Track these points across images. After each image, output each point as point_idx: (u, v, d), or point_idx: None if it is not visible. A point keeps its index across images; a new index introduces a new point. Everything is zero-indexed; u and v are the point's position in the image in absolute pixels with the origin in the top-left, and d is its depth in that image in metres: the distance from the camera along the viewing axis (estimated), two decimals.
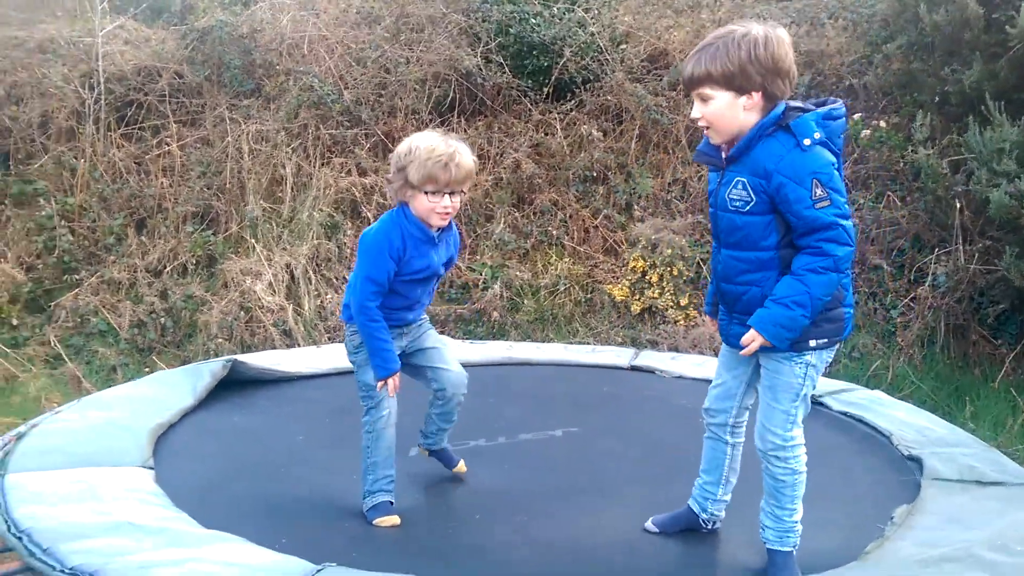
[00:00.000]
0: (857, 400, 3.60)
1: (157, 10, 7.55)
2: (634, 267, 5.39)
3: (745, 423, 2.43)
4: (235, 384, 3.48)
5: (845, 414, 3.48)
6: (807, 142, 1.98)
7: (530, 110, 6.18)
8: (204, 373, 3.37)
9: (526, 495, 2.74)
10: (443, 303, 5.45)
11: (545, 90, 6.19)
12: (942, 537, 2.33)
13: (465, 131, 6.11)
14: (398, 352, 2.57)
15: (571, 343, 4.93)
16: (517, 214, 5.87)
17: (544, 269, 5.64)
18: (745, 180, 2.07)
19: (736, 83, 2.01)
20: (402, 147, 2.51)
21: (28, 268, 5.57)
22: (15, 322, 5.28)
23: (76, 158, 5.98)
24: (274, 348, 4.94)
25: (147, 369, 4.99)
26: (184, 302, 5.35)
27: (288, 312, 5.26)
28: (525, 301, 5.47)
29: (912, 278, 5.17)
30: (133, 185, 5.95)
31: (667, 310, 5.24)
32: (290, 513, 2.53)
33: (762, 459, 2.24)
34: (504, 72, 6.16)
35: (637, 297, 5.32)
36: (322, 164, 6.02)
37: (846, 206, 2.03)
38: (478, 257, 5.70)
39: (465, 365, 3.35)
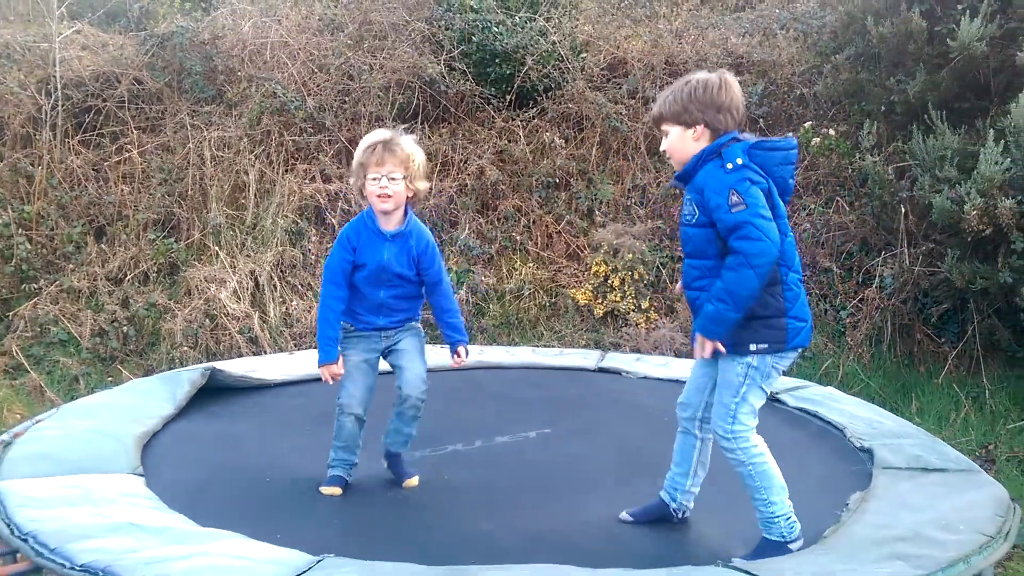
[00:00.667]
0: (811, 396, 3.79)
1: (112, 15, 7.47)
2: (596, 272, 5.52)
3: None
4: (213, 392, 3.52)
5: (800, 409, 3.66)
6: (730, 166, 2.32)
7: (493, 117, 6.28)
8: (183, 381, 3.41)
9: (507, 492, 2.87)
10: None
11: (508, 98, 6.29)
12: (893, 520, 2.51)
13: (429, 138, 6.18)
14: (376, 353, 2.84)
15: (538, 346, 5.03)
16: (481, 220, 5.96)
17: (509, 274, 5.74)
18: (691, 197, 2.41)
19: (682, 119, 2.41)
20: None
21: None
22: None
23: (33, 165, 5.89)
24: (240, 356, 4.95)
25: (110, 379, 4.95)
26: (147, 310, 5.31)
27: (254, 319, 5.27)
28: (491, 306, 5.56)
29: (860, 280, 5.39)
30: (92, 192, 5.88)
31: (629, 313, 5.38)
32: (280, 511, 2.63)
33: (724, 452, 2.46)
34: (467, 80, 6.24)
35: (600, 301, 5.45)
36: (286, 171, 6.03)
37: (764, 212, 2.28)
38: (444, 262, 5.76)
39: (438, 370, 3.48)
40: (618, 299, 5.41)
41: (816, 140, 5.64)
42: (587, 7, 7.07)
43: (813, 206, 5.71)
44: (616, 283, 5.45)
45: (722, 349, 2.33)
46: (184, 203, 5.87)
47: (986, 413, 4.41)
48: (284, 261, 5.67)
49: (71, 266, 5.56)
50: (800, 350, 2.46)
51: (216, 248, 5.66)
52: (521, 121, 6.27)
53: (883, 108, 5.34)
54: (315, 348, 3.42)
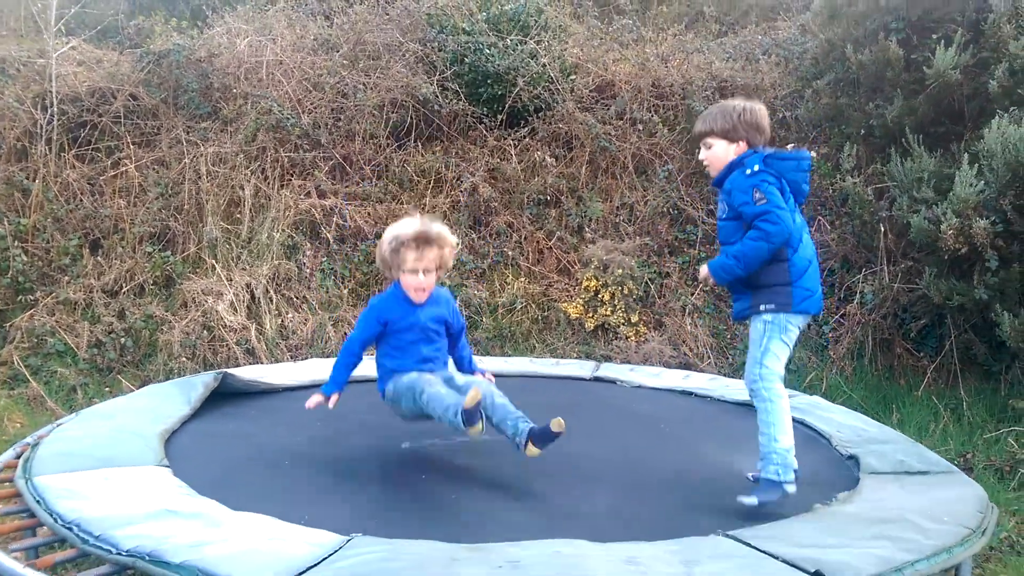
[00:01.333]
0: (798, 404, 3.94)
1: (105, 32, 7.55)
2: (587, 286, 5.66)
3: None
4: (224, 396, 3.62)
5: None
6: (748, 172, 2.88)
7: (485, 136, 6.42)
8: (197, 385, 3.52)
9: (516, 480, 3.02)
10: None
11: (499, 117, 6.44)
12: (881, 505, 2.67)
13: (423, 155, 6.31)
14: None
15: (534, 358, 5.15)
16: (474, 235, 6.09)
17: (501, 288, 5.86)
18: (723, 198, 2.96)
19: (729, 135, 2.94)
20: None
21: None
22: None
23: (29, 178, 5.94)
24: (238, 366, 5.01)
25: (108, 389, 4.99)
26: (144, 322, 5.36)
27: (251, 331, 5.33)
28: (484, 319, 5.67)
29: (842, 296, 5.56)
30: (88, 206, 5.93)
31: (619, 327, 5.52)
32: (303, 498, 2.74)
33: (751, 393, 2.97)
34: (460, 100, 6.39)
35: (591, 315, 5.58)
36: (281, 186, 6.12)
37: (781, 204, 2.82)
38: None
39: None
40: (608, 313, 5.55)
41: None
42: (576, 31, 7.26)
43: None
44: (606, 297, 5.59)
45: (711, 283, 3.08)
46: (180, 217, 5.94)
47: (964, 424, 4.57)
48: (280, 274, 5.74)
49: (67, 278, 5.60)
50: (811, 314, 2.96)
51: (212, 261, 5.73)
52: (513, 140, 6.42)
53: (863, 131, 5.54)
54: (315, 357, 3.61)
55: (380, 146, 6.35)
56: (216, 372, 3.70)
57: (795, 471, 2.84)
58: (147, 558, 2.08)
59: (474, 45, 6.51)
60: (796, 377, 5.18)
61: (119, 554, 2.11)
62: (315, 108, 6.34)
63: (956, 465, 4.00)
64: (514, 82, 6.39)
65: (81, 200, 5.96)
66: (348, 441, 3.34)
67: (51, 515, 2.35)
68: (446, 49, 6.53)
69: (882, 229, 5.26)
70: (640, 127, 6.43)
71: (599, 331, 5.58)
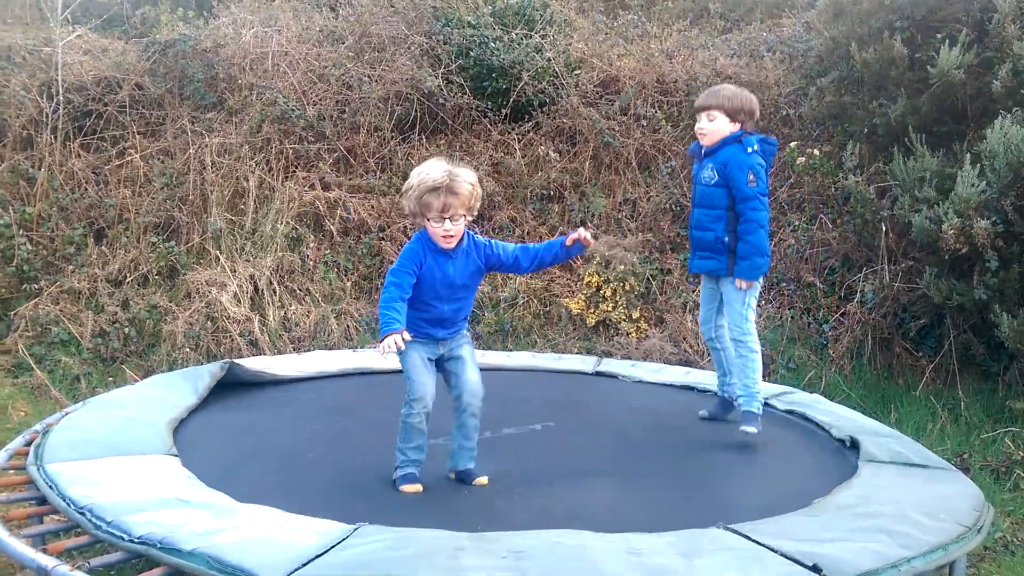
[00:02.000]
0: (799, 400, 3.99)
1: (111, 21, 7.55)
2: (589, 282, 5.68)
3: (724, 335, 3.72)
4: (230, 386, 3.66)
5: (790, 412, 3.85)
6: (749, 150, 3.43)
7: (489, 130, 6.44)
8: (203, 374, 3.57)
9: (518, 474, 3.06)
10: None
11: (504, 111, 6.46)
12: (879, 496, 2.71)
13: (427, 149, 6.33)
14: (434, 358, 2.90)
15: (536, 352, 5.18)
16: (477, 230, 6.10)
17: (503, 283, 5.88)
18: (713, 166, 3.46)
19: (732, 114, 3.45)
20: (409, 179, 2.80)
21: None
22: None
23: (34, 167, 5.96)
24: (241, 358, 5.04)
25: (111, 379, 5.03)
26: (147, 312, 5.39)
27: (254, 323, 5.36)
28: (485, 313, 5.70)
29: (842, 295, 5.58)
30: (92, 195, 5.96)
31: (620, 323, 5.55)
32: (308, 489, 2.78)
33: (734, 345, 3.58)
34: (464, 93, 6.41)
35: (592, 310, 5.61)
36: (285, 178, 6.15)
37: (764, 190, 3.46)
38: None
39: None
40: (610, 309, 5.58)
41: (801, 159, 5.85)
42: (581, 26, 7.27)
43: (798, 223, 5.92)
44: (608, 293, 5.62)
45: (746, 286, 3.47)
46: (184, 207, 5.96)
47: (961, 424, 4.60)
48: (283, 266, 5.77)
49: (71, 267, 5.63)
50: (765, 274, 3.62)
51: (216, 252, 5.76)
52: (517, 134, 6.44)
53: (866, 130, 5.55)
54: (318, 349, 3.60)
55: (384, 139, 6.36)
56: (223, 362, 3.74)
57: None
58: (159, 545, 2.13)
59: (479, 39, 6.52)
60: (795, 376, 5.21)
61: (131, 541, 2.15)
62: (320, 100, 6.35)
63: (953, 465, 4.05)
64: (519, 76, 6.40)
65: (86, 189, 5.98)
66: (353, 432, 3.38)
67: (64, 500, 2.39)
68: (451, 42, 6.54)
69: (883, 228, 5.28)
70: (644, 123, 6.45)
71: (600, 327, 5.61)
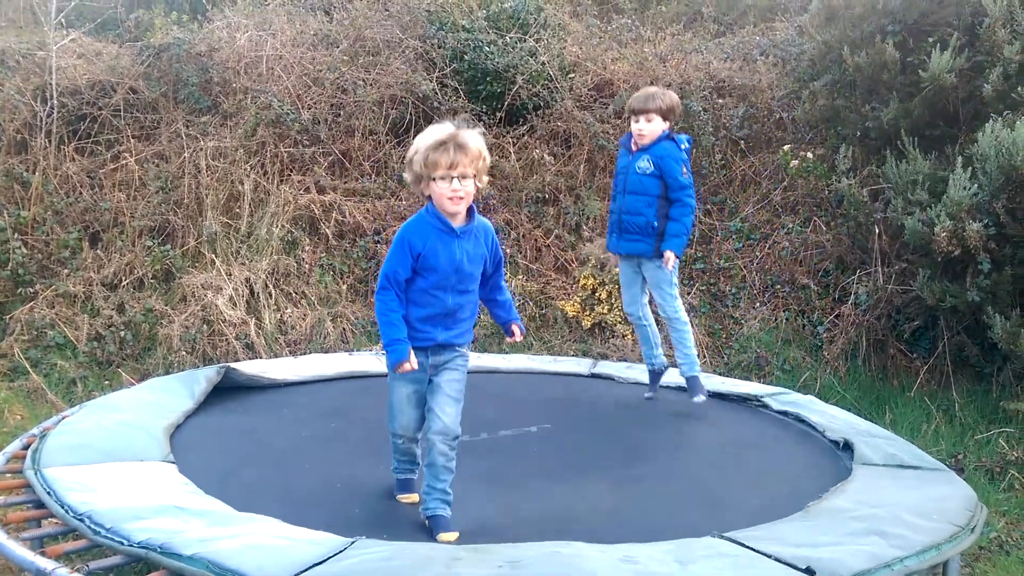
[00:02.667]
0: (793, 401, 4.01)
1: (104, 25, 7.55)
2: (584, 284, 5.70)
3: (647, 312, 4.19)
4: (227, 390, 3.66)
5: (784, 413, 3.87)
6: (683, 147, 3.96)
7: (484, 134, 6.42)
8: (200, 379, 3.56)
9: (515, 478, 3.08)
10: None
11: (498, 115, 6.48)
12: (872, 500, 2.73)
13: None
14: (421, 381, 2.64)
15: (532, 355, 5.20)
16: None
17: None
18: (650, 158, 3.91)
19: (665, 115, 3.91)
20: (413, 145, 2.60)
21: None
22: None
23: (28, 171, 5.95)
24: (237, 361, 5.04)
25: (107, 382, 5.02)
26: (143, 316, 5.39)
27: (250, 326, 5.36)
28: (482, 316, 5.70)
29: (836, 297, 5.62)
30: (87, 199, 5.95)
31: (616, 325, 5.57)
32: (305, 496, 2.78)
33: (668, 323, 4.07)
34: (459, 97, 6.42)
35: (588, 313, 5.63)
36: (280, 181, 6.15)
37: (692, 181, 4.00)
38: None
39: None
40: (605, 311, 5.60)
41: (795, 162, 5.88)
42: (575, 29, 7.30)
43: (792, 225, 5.95)
44: (603, 296, 5.63)
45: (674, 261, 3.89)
46: (179, 211, 5.95)
47: (955, 425, 4.63)
48: (279, 269, 5.77)
49: (66, 271, 5.61)
50: None
51: (212, 256, 5.76)
52: (511, 138, 6.45)
53: (858, 133, 5.59)
54: (314, 352, 3.57)
55: (379, 142, 6.37)
56: (219, 366, 3.74)
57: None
58: (159, 550, 2.13)
59: (474, 42, 6.54)
60: (790, 377, 5.24)
61: (131, 546, 2.15)
62: (315, 104, 6.36)
63: (947, 466, 4.09)
64: (513, 80, 6.42)
65: (81, 193, 5.97)
66: (350, 436, 3.38)
67: (62, 507, 2.39)
68: (446, 46, 6.56)
69: (877, 231, 5.32)
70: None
71: (596, 329, 5.63)
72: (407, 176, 2.63)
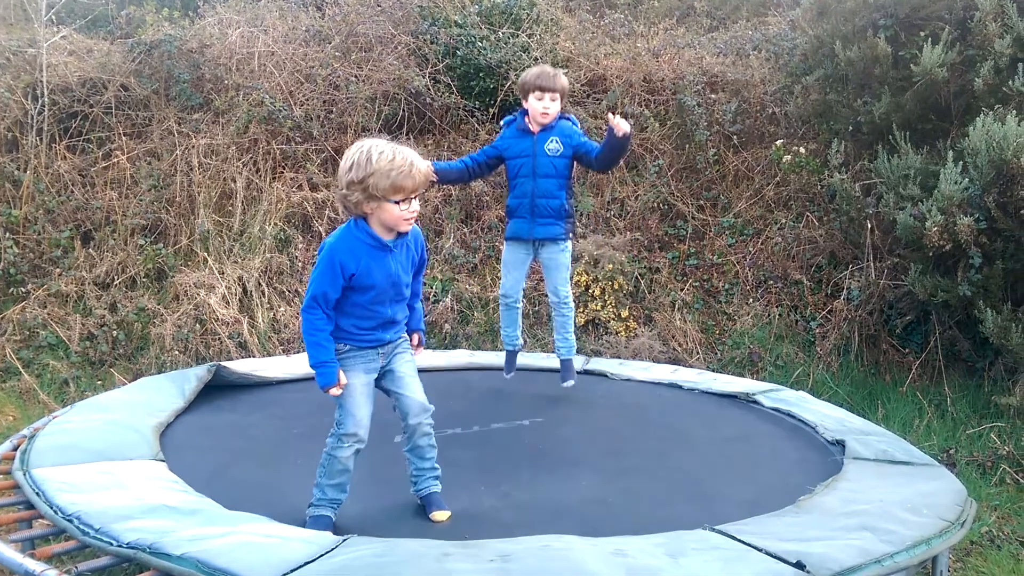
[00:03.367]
0: (785, 398, 4.03)
1: (95, 21, 7.51)
2: (578, 281, 5.69)
3: (521, 295, 4.19)
4: (217, 388, 3.66)
5: (775, 409, 3.88)
6: (577, 125, 4.00)
7: (477, 130, 6.44)
8: (190, 377, 3.56)
9: (505, 471, 3.08)
10: None
11: (491, 111, 6.46)
12: (863, 496, 2.74)
13: (414, 148, 6.29)
14: (375, 374, 2.64)
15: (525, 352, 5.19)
16: (466, 230, 6.12)
17: (493, 283, 5.88)
18: (558, 138, 3.89)
19: (564, 96, 3.94)
20: (354, 159, 2.45)
21: None
22: None
23: (19, 169, 5.93)
24: (230, 360, 5.04)
25: (100, 382, 5.01)
26: (136, 315, 5.38)
27: (243, 325, 5.35)
28: (475, 313, 5.70)
29: (829, 292, 5.63)
30: (79, 197, 5.93)
31: (609, 322, 5.57)
32: (296, 494, 2.75)
33: (557, 306, 4.07)
34: (452, 93, 6.41)
35: (581, 310, 5.62)
36: (273, 179, 6.14)
37: None
38: (429, 271, 5.91)
39: (431, 370, 3.69)
40: (599, 308, 5.60)
41: (787, 157, 5.89)
42: (568, 25, 7.28)
43: (784, 220, 5.96)
44: (597, 293, 5.63)
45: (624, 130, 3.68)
46: (172, 209, 5.94)
47: (947, 419, 4.64)
48: (272, 267, 5.76)
49: (58, 270, 5.60)
50: None
51: (204, 254, 5.75)
52: None
53: (850, 128, 5.59)
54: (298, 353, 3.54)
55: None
56: (209, 364, 3.74)
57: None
58: (148, 550, 2.13)
59: (466, 38, 6.52)
60: (783, 373, 5.25)
61: (120, 546, 2.15)
62: (307, 100, 6.34)
63: (939, 461, 4.10)
64: (506, 75, 6.41)
65: (72, 192, 5.95)
66: None
67: (51, 507, 2.39)
68: (438, 42, 6.54)
69: (869, 226, 5.32)
70: (631, 122, 6.44)
71: (589, 326, 5.63)
72: (350, 195, 2.46)
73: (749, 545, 2.34)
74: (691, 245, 6.03)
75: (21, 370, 4.93)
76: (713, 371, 4.98)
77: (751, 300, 5.71)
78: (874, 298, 5.31)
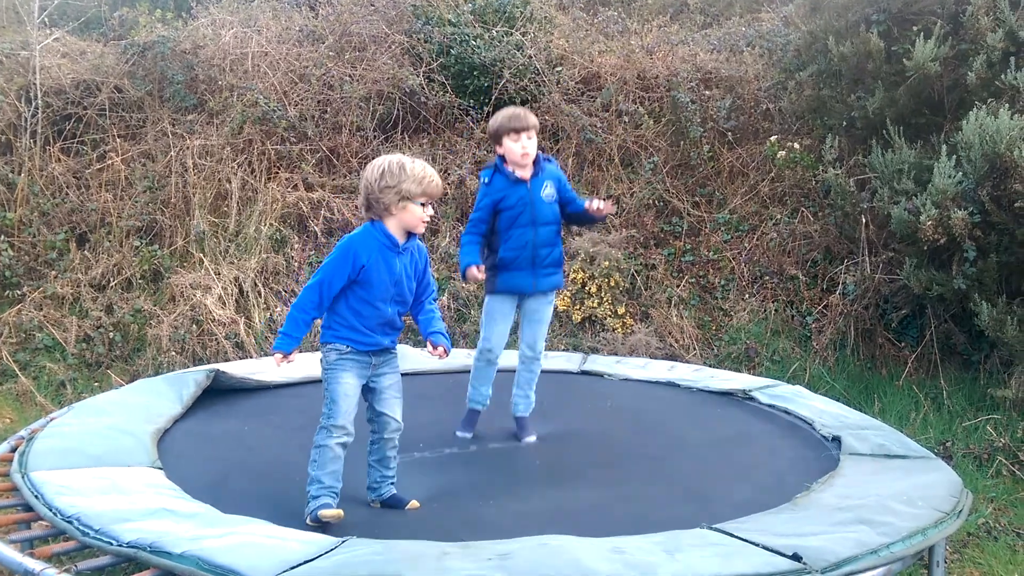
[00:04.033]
0: (782, 394, 4.03)
1: (88, 23, 7.50)
2: (574, 278, 5.70)
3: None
4: (215, 393, 3.65)
5: (771, 406, 3.89)
6: (556, 165, 3.66)
7: (472, 128, 6.45)
8: (189, 382, 3.54)
9: (502, 471, 3.10)
10: None
11: (486, 109, 6.46)
12: (859, 491, 2.76)
13: (409, 148, 6.33)
14: (364, 378, 2.79)
15: None
16: (462, 228, 6.11)
17: None
18: (551, 183, 3.54)
19: (537, 131, 3.52)
20: (384, 167, 2.74)
21: None
22: None
23: (14, 172, 5.92)
24: (227, 360, 5.03)
25: (96, 384, 5.01)
26: (132, 316, 5.37)
27: (240, 325, 5.35)
28: (472, 312, 5.71)
29: (824, 287, 5.64)
30: (74, 199, 5.93)
31: (606, 319, 5.58)
32: (295, 501, 2.75)
33: (530, 361, 3.68)
34: (446, 91, 6.41)
35: (578, 307, 5.63)
36: (268, 179, 6.13)
37: None
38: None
39: (427, 374, 3.70)
40: (595, 305, 5.61)
41: (782, 153, 5.90)
42: (562, 22, 7.28)
43: (779, 216, 5.97)
44: (593, 290, 5.64)
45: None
46: (167, 210, 5.94)
47: (944, 412, 4.66)
48: (268, 268, 5.76)
49: (54, 273, 5.60)
50: None
51: (200, 255, 5.74)
52: None
53: (844, 123, 5.60)
54: (305, 351, 3.57)
55: (367, 138, 6.36)
56: (208, 369, 3.72)
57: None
58: (148, 549, 2.13)
59: (460, 36, 6.52)
60: (780, 368, 5.26)
61: (120, 546, 2.15)
62: (301, 100, 6.34)
63: (936, 453, 4.12)
64: (500, 74, 6.41)
65: (67, 194, 5.95)
66: None
67: (50, 509, 2.40)
68: (432, 40, 6.55)
69: (863, 220, 5.34)
70: (626, 119, 6.47)
71: (586, 323, 5.64)
72: (383, 197, 2.72)
73: (746, 541, 2.35)
74: (687, 241, 6.05)
75: (18, 372, 4.92)
76: (710, 367, 4.98)
77: (747, 296, 5.72)
78: (869, 292, 5.33)
